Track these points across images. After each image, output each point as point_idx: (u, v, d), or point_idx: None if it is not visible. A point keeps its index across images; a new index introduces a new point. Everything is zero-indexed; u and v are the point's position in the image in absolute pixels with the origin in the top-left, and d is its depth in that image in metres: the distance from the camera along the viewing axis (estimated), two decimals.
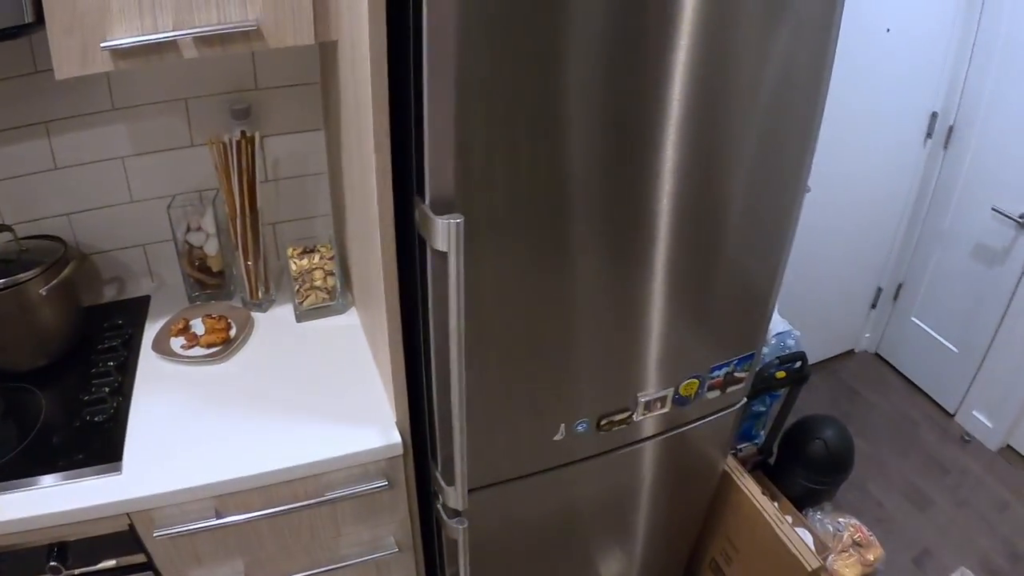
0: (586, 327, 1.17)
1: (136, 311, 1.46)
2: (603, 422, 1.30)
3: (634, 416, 1.33)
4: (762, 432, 2.05)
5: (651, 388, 1.31)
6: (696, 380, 1.37)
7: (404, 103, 0.92)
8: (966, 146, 2.31)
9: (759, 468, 1.99)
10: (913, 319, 2.64)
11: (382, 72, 0.89)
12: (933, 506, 2.21)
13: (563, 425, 1.26)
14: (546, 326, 1.13)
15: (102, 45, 0.98)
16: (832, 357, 2.80)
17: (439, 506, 1.25)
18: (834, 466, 1.94)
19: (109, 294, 1.53)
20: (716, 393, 1.43)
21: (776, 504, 1.68)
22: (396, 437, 1.15)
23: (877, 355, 2.83)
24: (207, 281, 1.46)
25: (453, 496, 1.18)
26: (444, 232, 0.91)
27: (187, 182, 1.45)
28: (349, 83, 1.07)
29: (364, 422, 1.18)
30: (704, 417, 1.46)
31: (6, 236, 1.31)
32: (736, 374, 1.43)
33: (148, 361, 1.32)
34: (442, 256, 0.94)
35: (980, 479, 2.30)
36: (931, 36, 2.17)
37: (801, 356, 1.83)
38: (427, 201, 0.94)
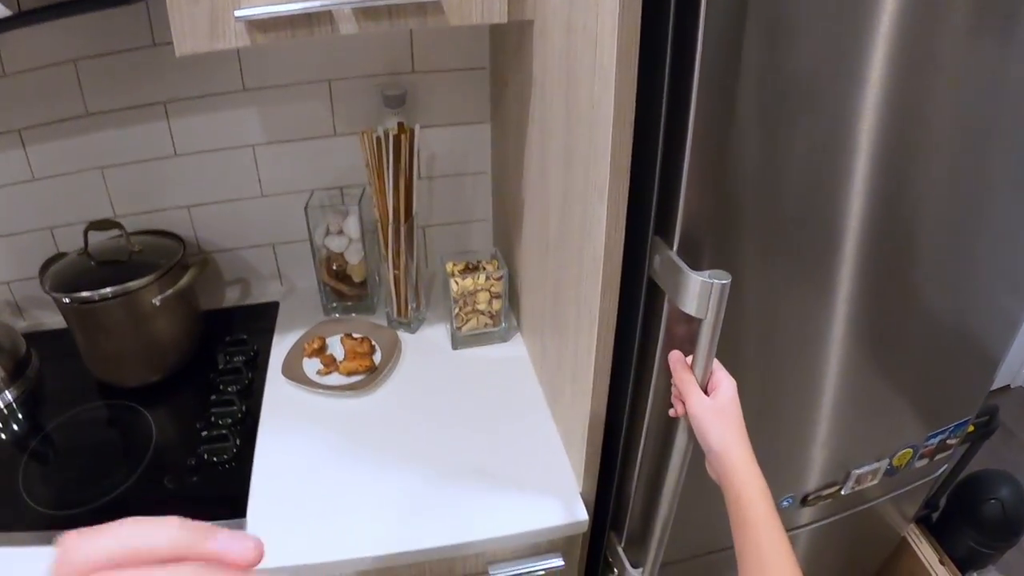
0: (822, 396, 0.95)
1: (263, 319, 1.29)
2: (810, 497, 1.09)
3: (842, 490, 1.12)
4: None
5: (866, 460, 1.10)
6: (911, 450, 1.15)
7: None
8: None
9: (922, 522, 1.75)
10: None
11: (630, 73, 0.66)
12: None
13: None
14: (780, 392, 0.92)
15: (236, 14, 0.76)
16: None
17: None
18: (1009, 530, 1.70)
19: (232, 297, 1.36)
20: (925, 461, 1.22)
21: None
22: (583, 513, 0.95)
23: None
24: (346, 292, 1.27)
25: None
26: (703, 294, 0.68)
27: (327, 177, 1.26)
28: (553, 74, 0.85)
29: (542, 489, 0.98)
30: (904, 486, 1.25)
31: (114, 232, 1.14)
32: (948, 441, 1.23)
33: (277, 387, 1.15)
34: (692, 320, 0.72)
35: None
36: None
37: (993, 409, 1.58)
38: (675, 245, 0.72)
